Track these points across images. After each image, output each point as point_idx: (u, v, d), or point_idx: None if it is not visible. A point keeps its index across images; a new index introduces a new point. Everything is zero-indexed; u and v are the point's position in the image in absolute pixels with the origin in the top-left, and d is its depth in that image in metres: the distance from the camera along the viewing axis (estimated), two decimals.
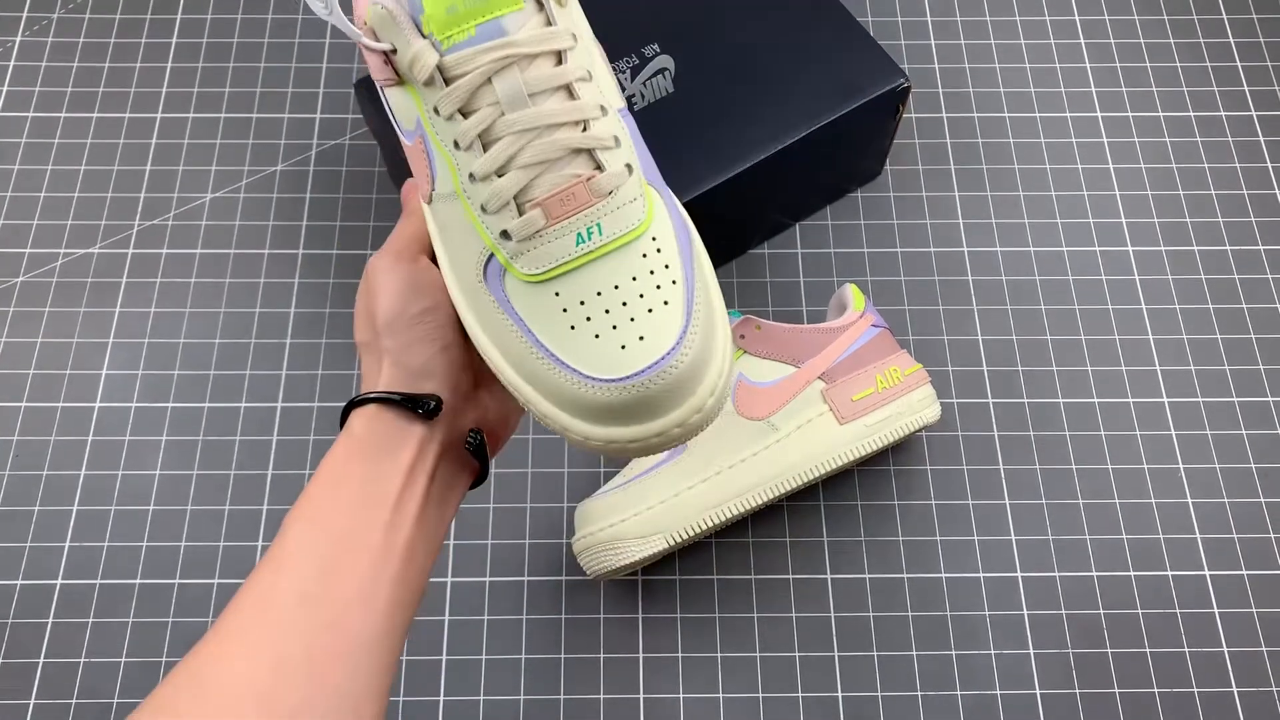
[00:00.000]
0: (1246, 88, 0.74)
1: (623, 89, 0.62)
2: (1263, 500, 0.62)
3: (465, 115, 0.37)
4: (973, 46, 0.76)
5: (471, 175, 0.37)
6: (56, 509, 0.61)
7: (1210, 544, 0.60)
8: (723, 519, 0.54)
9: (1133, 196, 0.71)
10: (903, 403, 0.58)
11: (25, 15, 0.76)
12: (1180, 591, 0.59)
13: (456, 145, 0.37)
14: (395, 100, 0.39)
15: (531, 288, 0.37)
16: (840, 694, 0.57)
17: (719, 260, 0.68)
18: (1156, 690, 0.57)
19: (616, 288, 0.36)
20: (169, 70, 0.75)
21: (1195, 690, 0.57)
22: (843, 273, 0.68)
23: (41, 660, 0.57)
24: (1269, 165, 0.72)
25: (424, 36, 0.36)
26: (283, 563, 0.37)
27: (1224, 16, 0.77)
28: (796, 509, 0.61)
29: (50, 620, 0.58)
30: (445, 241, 0.40)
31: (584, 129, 0.37)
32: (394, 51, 0.37)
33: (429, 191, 0.39)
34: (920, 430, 0.59)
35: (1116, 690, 0.57)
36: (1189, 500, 0.62)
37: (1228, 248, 0.69)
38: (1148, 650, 0.58)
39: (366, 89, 0.62)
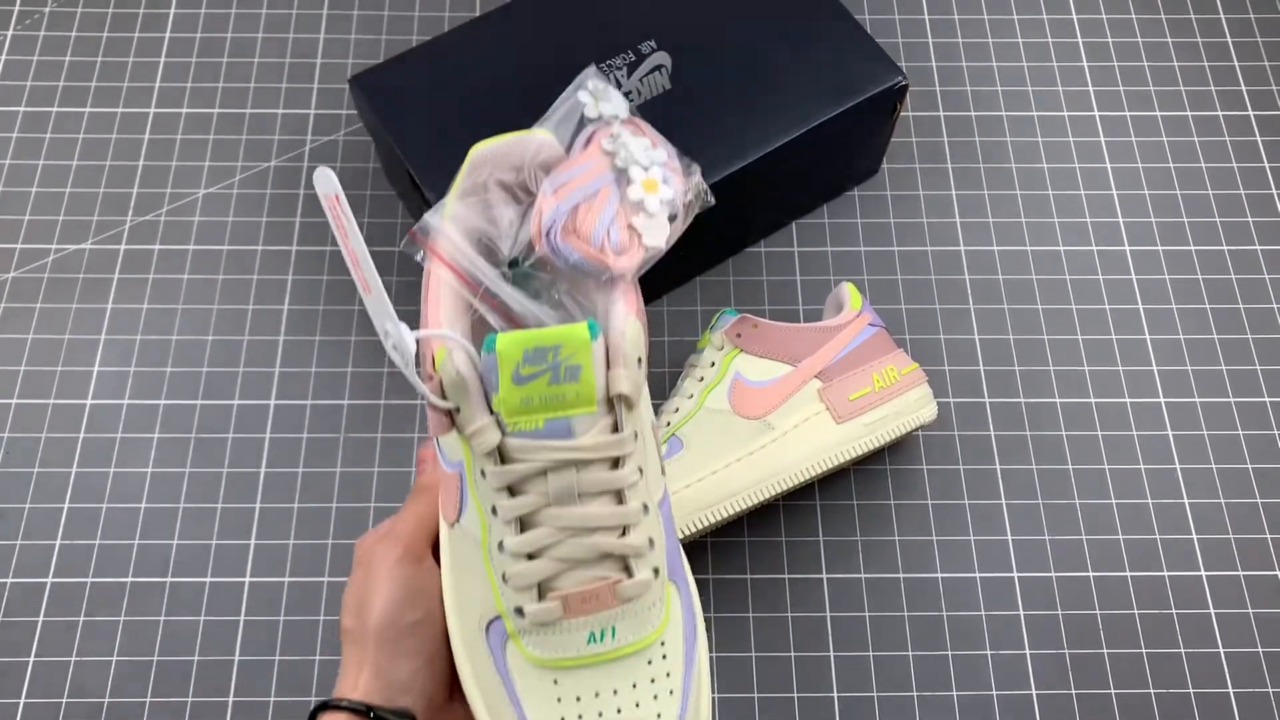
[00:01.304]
0: (1244, 87, 0.74)
1: (619, 85, 0.61)
2: (1259, 501, 0.61)
3: (512, 494, 0.36)
4: (970, 45, 0.76)
5: (501, 545, 0.37)
6: (47, 506, 0.60)
7: (1207, 545, 0.60)
8: (718, 518, 0.54)
9: (1130, 196, 0.70)
10: (899, 402, 0.57)
11: (17, 9, 0.76)
12: (1176, 592, 0.59)
13: (494, 512, 0.37)
14: (445, 439, 0.38)
15: (532, 669, 0.37)
16: (836, 694, 0.57)
17: (716, 259, 0.67)
18: (1152, 691, 0.57)
19: (615, 693, 0.37)
20: (162, 65, 0.74)
21: (1191, 691, 0.57)
22: (839, 271, 0.68)
23: (32, 659, 0.57)
24: (1266, 165, 0.72)
25: (491, 411, 0.36)
26: None
27: (1221, 16, 0.77)
28: (793, 508, 0.61)
29: (41, 618, 0.58)
30: (455, 575, 0.39)
31: (622, 533, 0.37)
32: (457, 410, 0.36)
33: (452, 519, 0.39)
34: (917, 430, 0.59)
35: (1113, 691, 0.57)
36: (1185, 501, 0.61)
37: (1224, 248, 0.69)
38: (1144, 651, 0.58)
39: (361, 85, 0.62)
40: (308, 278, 0.67)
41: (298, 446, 0.62)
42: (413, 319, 0.37)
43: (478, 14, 0.76)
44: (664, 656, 0.37)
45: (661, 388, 0.64)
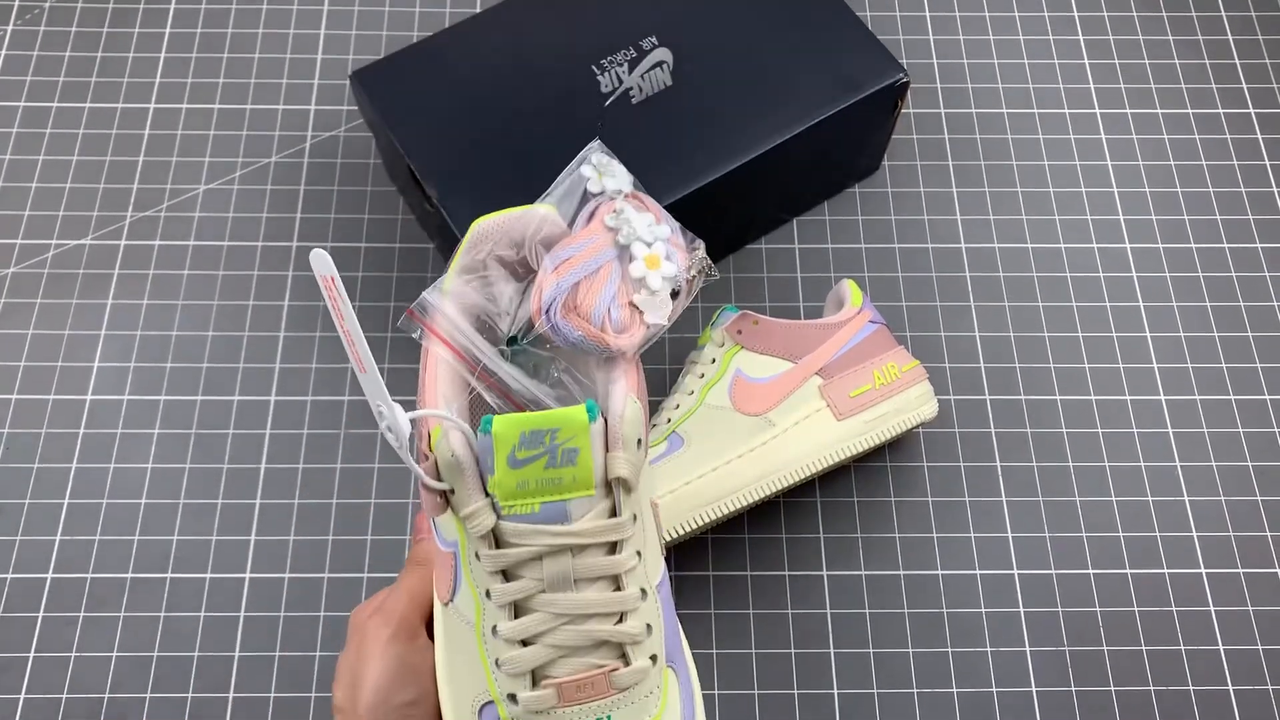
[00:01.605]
0: (1245, 85, 0.74)
1: (620, 81, 0.61)
2: (1259, 498, 0.61)
3: (506, 578, 0.36)
4: (971, 42, 0.76)
5: (494, 629, 0.36)
6: (47, 502, 0.60)
7: (1207, 542, 0.60)
8: (719, 515, 0.54)
9: (1130, 193, 0.70)
10: (900, 399, 0.57)
11: (17, 4, 0.75)
12: (1176, 589, 0.59)
13: (488, 595, 0.36)
14: (440, 519, 0.38)
15: None
16: (836, 691, 0.57)
17: (717, 256, 0.67)
18: (1152, 688, 0.57)
19: None
20: (162, 60, 0.74)
21: (1191, 688, 0.57)
22: (840, 268, 0.68)
23: (32, 654, 0.57)
24: (1267, 163, 0.72)
25: (486, 494, 0.35)
26: None
27: (1222, 14, 0.77)
28: (793, 505, 0.61)
29: (41, 614, 0.58)
30: (449, 655, 0.38)
31: (619, 620, 0.36)
32: (452, 491, 0.36)
33: (446, 599, 0.38)
34: (917, 427, 0.59)
35: (1112, 688, 0.57)
36: (1185, 498, 0.61)
37: (1225, 245, 0.69)
38: (1144, 648, 0.58)
39: (361, 81, 0.62)
40: (308, 274, 0.67)
41: (298, 442, 0.62)
42: (405, 352, 0.37)
43: (478, 10, 0.76)
44: None
45: (662, 384, 0.64)
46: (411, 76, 0.62)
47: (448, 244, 0.60)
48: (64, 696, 0.56)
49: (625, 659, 0.36)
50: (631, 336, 0.38)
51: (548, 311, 0.38)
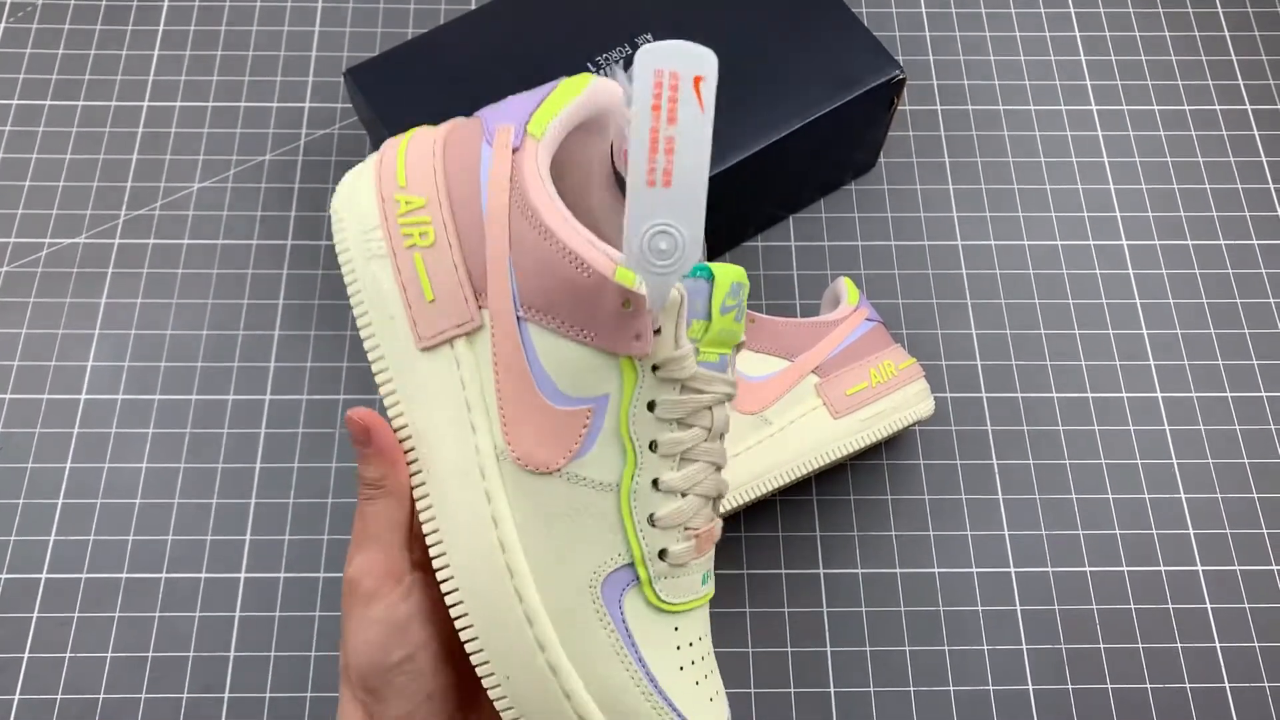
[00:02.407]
0: (1241, 82, 0.74)
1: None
2: (1255, 496, 0.61)
3: (683, 427, 0.35)
4: (967, 39, 0.75)
5: (656, 482, 0.35)
6: (41, 502, 0.60)
7: (1203, 539, 0.60)
8: None
9: (1127, 190, 0.70)
10: (897, 397, 0.57)
11: (9, 1, 0.75)
12: (1173, 587, 0.59)
13: (652, 447, 0.34)
14: (575, 357, 0.34)
15: (658, 616, 0.35)
16: (832, 689, 0.56)
17: (712, 253, 0.67)
18: (1149, 686, 0.57)
19: (700, 639, 0.36)
20: (156, 57, 0.74)
21: (1188, 686, 0.57)
22: (836, 266, 0.67)
23: (26, 655, 0.57)
24: (1264, 160, 0.71)
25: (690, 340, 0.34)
26: None
27: (1219, 10, 0.77)
28: (789, 504, 0.61)
29: (35, 615, 0.58)
30: (550, 530, 0.34)
31: (719, 472, 0.37)
32: (657, 331, 0.33)
33: (558, 464, 0.34)
34: (914, 425, 0.59)
35: (1109, 686, 0.57)
36: (1182, 495, 0.61)
37: (1222, 242, 0.69)
38: (1140, 645, 0.58)
39: (356, 78, 0.62)
40: (303, 272, 0.67)
41: (293, 441, 0.62)
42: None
43: (473, 6, 0.75)
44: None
45: None
46: (406, 73, 0.62)
47: None
48: (58, 697, 0.56)
49: (718, 516, 0.38)
50: None
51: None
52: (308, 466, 0.61)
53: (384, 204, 0.36)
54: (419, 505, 0.36)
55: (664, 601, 0.35)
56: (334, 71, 0.73)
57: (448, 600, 0.35)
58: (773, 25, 0.63)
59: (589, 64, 0.62)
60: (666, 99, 0.31)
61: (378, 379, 0.36)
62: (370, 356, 0.36)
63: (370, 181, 0.37)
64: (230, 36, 0.74)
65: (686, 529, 0.35)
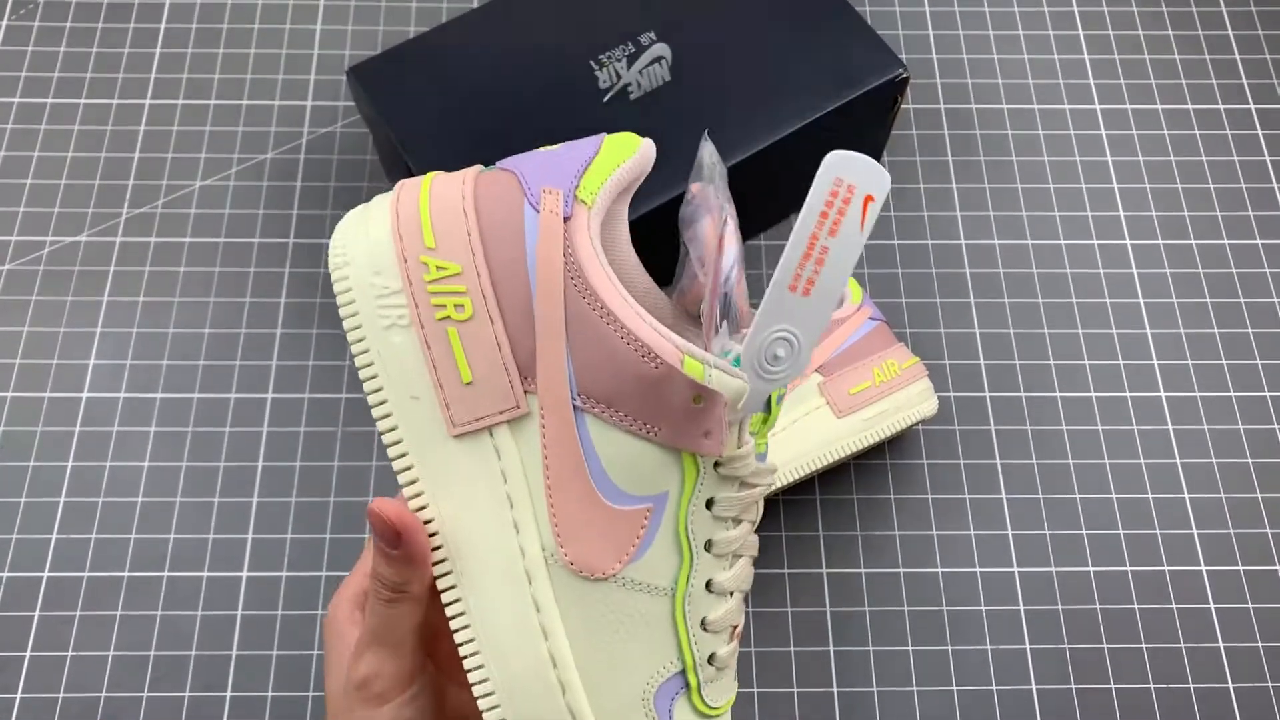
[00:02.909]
0: (1245, 81, 0.74)
1: (618, 77, 0.61)
2: (1259, 495, 0.61)
3: (736, 524, 0.33)
4: (971, 37, 0.75)
5: (709, 584, 0.33)
6: (43, 500, 0.60)
7: (1207, 539, 0.60)
8: None
9: (1130, 189, 0.70)
10: (900, 396, 0.57)
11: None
12: (1176, 587, 0.59)
13: (707, 548, 0.32)
14: (637, 452, 0.31)
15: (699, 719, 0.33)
16: (835, 689, 0.56)
17: None
18: (1152, 686, 0.57)
19: None
20: (157, 56, 0.74)
21: (1191, 686, 0.57)
22: None
23: (28, 653, 0.56)
24: (1267, 158, 0.71)
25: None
26: None
27: (1223, 9, 0.77)
28: (792, 503, 0.61)
29: (37, 613, 0.57)
30: (602, 641, 0.32)
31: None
32: (728, 424, 0.32)
33: (615, 568, 0.32)
34: (917, 424, 0.58)
35: (1113, 685, 0.57)
36: (1186, 495, 0.61)
37: (1225, 241, 0.69)
38: (1143, 645, 0.58)
39: (358, 76, 0.61)
40: (305, 270, 0.66)
41: (295, 440, 0.62)
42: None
43: (475, 5, 0.75)
44: None
45: None
46: (408, 72, 0.62)
47: None
48: (61, 695, 0.56)
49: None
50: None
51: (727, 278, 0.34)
52: (309, 465, 0.61)
53: (407, 266, 0.32)
54: (448, 609, 0.33)
55: (709, 706, 0.33)
56: (336, 70, 0.73)
57: (487, 717, 0.32)
58: (775, 24, 0.63)
59: (590, 63, 0.61)
60: (836, 209, 0.30)
61: (396, 465, 0.32)
62: (386, 440, 0.32)
63: (386, 234, 0.32)
64: (232, 34, 0.74)
65: (734, 629, 0.34)
